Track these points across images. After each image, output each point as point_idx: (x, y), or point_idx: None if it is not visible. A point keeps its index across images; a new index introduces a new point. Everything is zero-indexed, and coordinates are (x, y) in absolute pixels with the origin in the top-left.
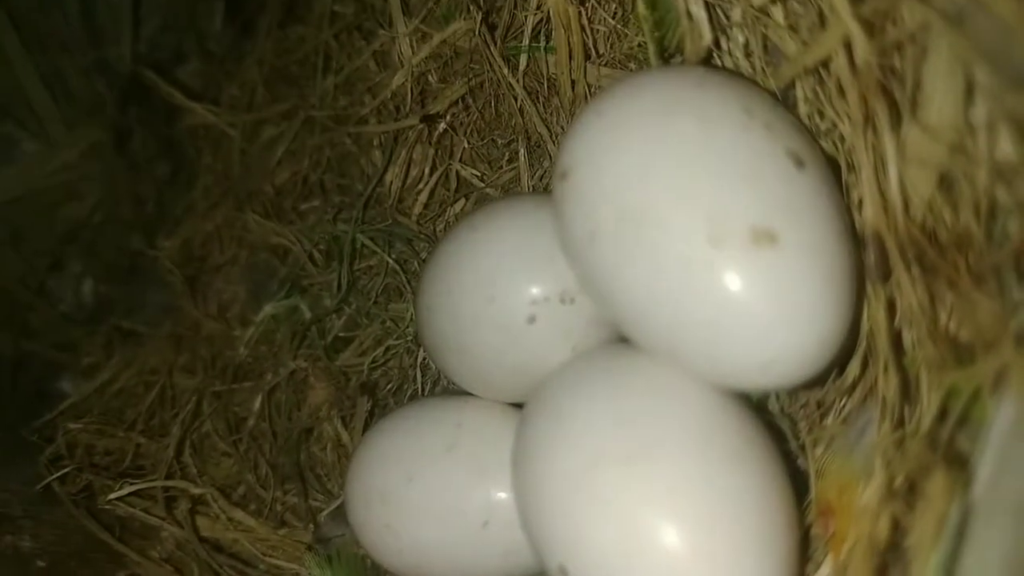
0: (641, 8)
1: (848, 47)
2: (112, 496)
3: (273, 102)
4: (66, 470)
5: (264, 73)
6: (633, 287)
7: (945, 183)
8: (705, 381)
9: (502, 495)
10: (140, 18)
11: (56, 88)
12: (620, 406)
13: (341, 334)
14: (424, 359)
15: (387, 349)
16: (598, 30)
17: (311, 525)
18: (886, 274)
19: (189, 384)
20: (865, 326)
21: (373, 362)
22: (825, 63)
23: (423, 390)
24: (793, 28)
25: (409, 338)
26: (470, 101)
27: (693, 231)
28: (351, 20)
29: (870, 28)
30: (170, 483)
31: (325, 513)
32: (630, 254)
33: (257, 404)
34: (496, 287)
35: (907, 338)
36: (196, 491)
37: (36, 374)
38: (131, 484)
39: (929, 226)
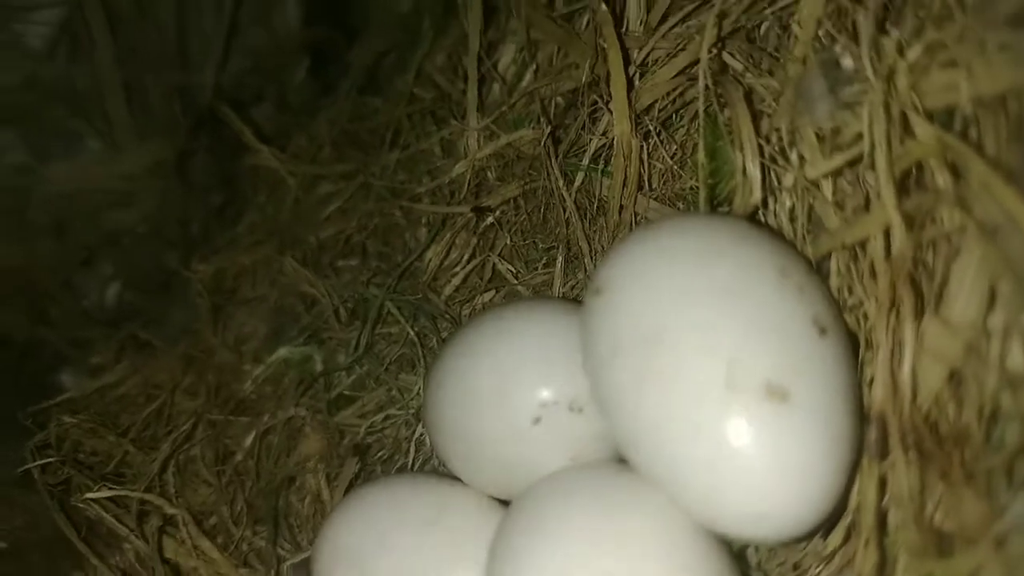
0: (700, 155)
1: (887, 234)
2: (88, 495)
3: (336, 161)
4: (49, 460)
5: (334, 133)
6: (643, 410)
7: (955, 379)
8: (692, 518)
9: None
10: (229, 54)
11: (134, 99)
12: (604, 523)
13: (346, 392)
14: (421, 435)
15: (387, 417)
16: (655, 166)
17: (273, 572)
18: (884, 453)
19: (189, 406)
20: (855, 499)
21: (371, 427)
22: (863, 243)
23: (412, 466)
24: (839, 205)
25: (411, 411)
26: (521, 202)
27: (711, 371)
28: (428, 104)
29: (910, 221)
30: (147, 496)
31: (289, 563)
32: (646, 378)
33: (249, 441)
34: (509, 381)
35: (892, 519)
36: (169, 511)
37: (43, 362)
38: (109, 488)
39: (933, 417)
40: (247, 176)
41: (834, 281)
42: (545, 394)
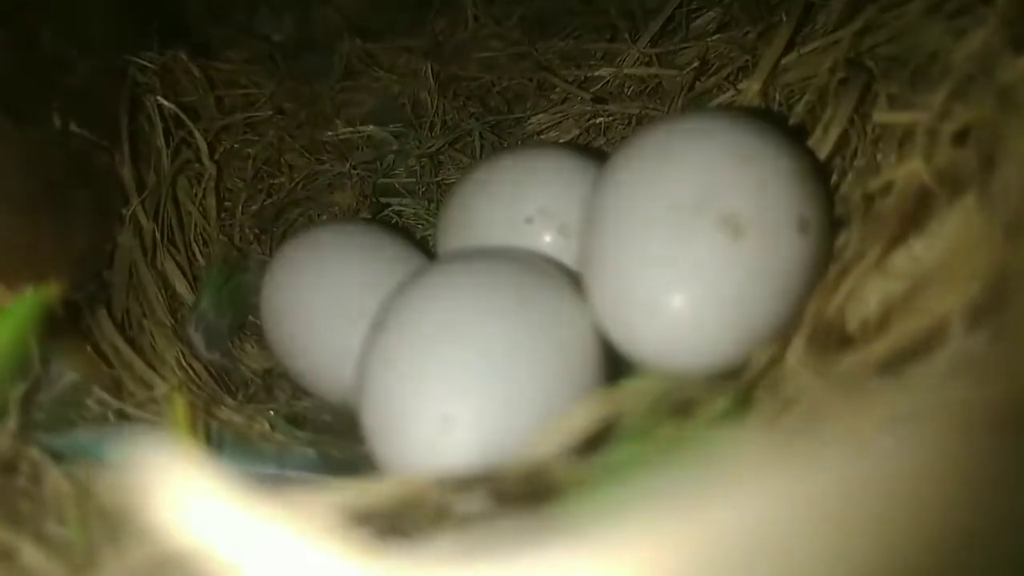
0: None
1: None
2: (159, 100)
3: (516, 28)
4: (153, 66)
5: (530, 9)
6: (614, 213)
7: (887, 307)
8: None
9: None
10: None
11: None
12: (508, 303)
13: (396, 184)
14: (431, 233)
15: (415, 214)
16: None
17: (245, 252)
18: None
19: (275, 118)
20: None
21: (397, 212)
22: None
23: None
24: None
25: (434, 224)
26: (634, 122)
27: (690, 191)
28: (614, 19)
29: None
30: (198, 138)
31: (258, 256)
32: (634, 183)
33: (297, 169)
34: (521, 187)
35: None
36: (205, 161)
37: (193, 30)
38: (176, 111)
39: (850, 329)
40: (439, 2)
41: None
42: (546, 204)
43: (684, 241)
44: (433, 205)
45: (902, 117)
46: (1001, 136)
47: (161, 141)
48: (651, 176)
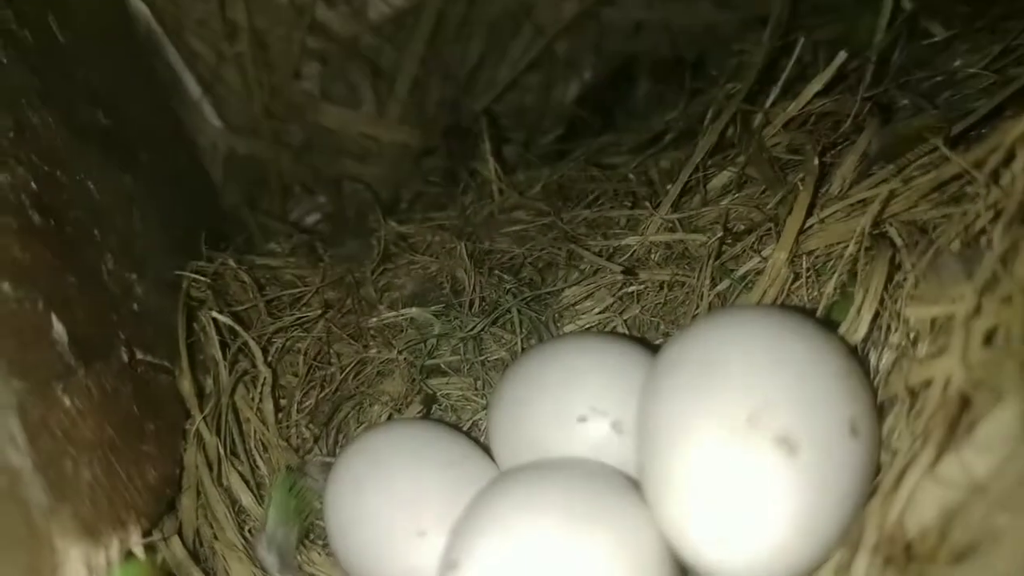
0: (830, 287)
1: (948, 381)
2: (213, 313)
3: (539, 199)
4: (202, 277)
5: (549, 180)
6: (669, 417)
7: (945, 516)
8: (664, 538)
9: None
10: (506, 95)
11: (418, 89)
12: (578, 506)
13: (442, 364)
14: (481, 419)
15: (463, 397)
16: (791, 299)
17: (300, 459)
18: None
19: (320, 311)
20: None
21: (446, 396)
22: (927, 384)
23: None
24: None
25: (483, 404)
26: (666, 288)
27: (741, 406)
28: (634, 187)
29: (970, 367)
30: (251, 343)
31: (316, 459)
32: (686, 393)
33: (348, 359)
34: (572, 386)
35: None
36: (259, 366)
37: (231, 230)
38: (228, 318)
39: (910, 536)
40: (466, 178)
41: (889, 422)
42: (597, 403)
43: (741, 461)
44: (479, 383)
45: (934, 311)
46: None
47: (218, 354)
48: (699, 388)
